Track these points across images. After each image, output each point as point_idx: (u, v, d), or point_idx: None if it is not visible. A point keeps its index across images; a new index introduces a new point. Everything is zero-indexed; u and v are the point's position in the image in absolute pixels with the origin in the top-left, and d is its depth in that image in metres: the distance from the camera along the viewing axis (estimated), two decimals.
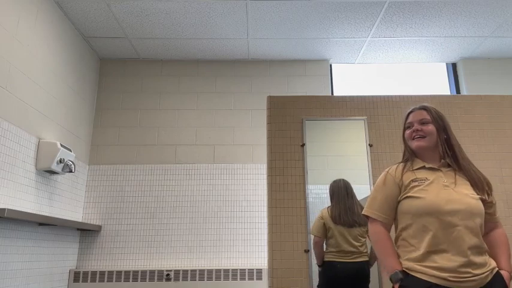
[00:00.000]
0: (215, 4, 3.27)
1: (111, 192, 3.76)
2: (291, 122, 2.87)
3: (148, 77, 4.12)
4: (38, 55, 2.98)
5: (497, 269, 1.48)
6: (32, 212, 2.82)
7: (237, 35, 3.73)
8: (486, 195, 1.54)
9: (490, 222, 1.58)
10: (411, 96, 3.01)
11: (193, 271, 3.50)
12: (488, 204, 1.55)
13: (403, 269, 1.48)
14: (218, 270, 3.50)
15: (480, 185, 1.54)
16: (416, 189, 1.53)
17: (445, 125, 1.62)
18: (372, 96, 3.02)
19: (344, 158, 2.94)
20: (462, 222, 1.45)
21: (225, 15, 3.42)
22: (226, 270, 3.50)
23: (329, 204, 2.65)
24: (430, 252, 1.44)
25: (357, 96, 3.02)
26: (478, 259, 1.43)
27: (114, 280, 3.46)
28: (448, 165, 1.59)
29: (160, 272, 3.49)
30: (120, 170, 3.82)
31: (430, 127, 1.60)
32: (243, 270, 3.50)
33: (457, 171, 1.57)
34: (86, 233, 3.62)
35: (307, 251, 2.58)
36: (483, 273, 1.41)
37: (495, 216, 1.59)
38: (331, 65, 4.29)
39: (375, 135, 2.88)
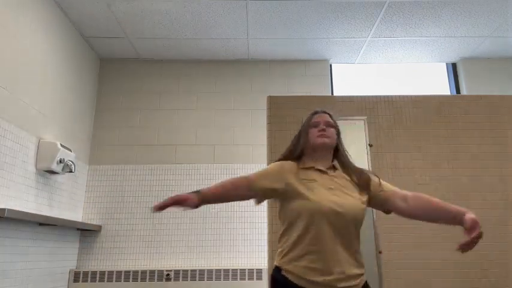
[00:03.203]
0: (215, 4, 3.27)
1: (111, 192, 3.76)
2: (291, 122, 2.86)
3: (148, 77, 4.12)
4: (38, 55, 2.98)
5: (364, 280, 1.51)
6: (32, 212, 2.82)
7: (237, 35, 3.73)
8: (371, 190, 1.61)
9: (397, 194, 1.61)
10: (411, 96, 3.01)
11: (193, 271, 3.49)
12: (381, 189, 1.62)
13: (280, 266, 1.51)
14: (218, 270, 3.50)
15: (364, 186, 1.60)
16: (303, 187, 1.54)
17: (339, 132, 1.74)
18: (372, 96, 3.01)
19: None
20: (344, 225, 1.49)
21: (225, 15, 3.42)
22: (226, 270, 3.50)
23: None
24: (310, 252, 1.47)
25: (357, 96, 3.02)
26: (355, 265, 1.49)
27: (114, 280, 3.46)
28: (335, 169, 1.65)
29: (160, 272, 3.49)
30: (120, 170, 3.82)
31: (332, 130, 1.70)
32: (243, 270, 3.50)
33: (343, 175, 1.64)
34: (86, 233, 3.62)
35: None
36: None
37: (394, 188, 1.64)
38: (331, 65, 4.29)
39: (374, 135, 2.87)
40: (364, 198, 1.58)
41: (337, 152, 1.71)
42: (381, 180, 1.65)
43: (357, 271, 1.49)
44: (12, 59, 2.65)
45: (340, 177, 1.62)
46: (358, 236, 1.54)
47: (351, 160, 1.70)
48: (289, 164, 1.64)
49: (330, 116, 1.75)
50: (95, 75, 4.02)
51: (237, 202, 3.75)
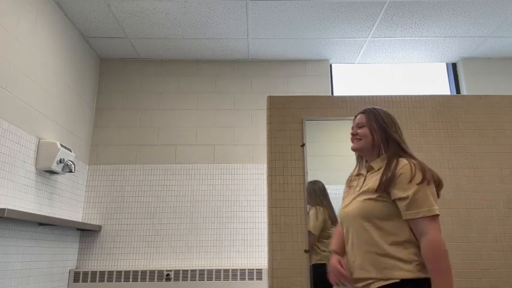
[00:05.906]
0: (215, 4, 3.27)
1: (111, 192, 3.76)
2: (291, 122, 2.86)
3: (148, 77, 4.12)
4: (38, 55, 2.98)
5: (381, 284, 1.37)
6: (32, 212, 2.82)
7: (237, 35, 3.73)
8: (389, 192, 1.43)
9: (411, 226, 1.41)
10: (411, 96, 3.01)
11: (193, 271, 3.50)
12: (398, 201, 1.42)
13: None
14: (218, 270, 3.50)
15: (386, 182, 1.44)
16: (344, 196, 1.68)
17: (381, 125, 1.62)
18: (372, 96, 3.01)
19: (344, 158, 2.93)
20: (349, 229, 1.52)
21: (225, 15, 3.42)
22: (226, 270, 3.50)
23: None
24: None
25: (357, 96, 3.02)
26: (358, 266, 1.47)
27: (114, 280, 3.46)
28: (373, 168, 1.57)
29: (160, 272, 3.49)
30: (120, 170, 3.82)
31: (363, 130, 1.63)
32: (243, 270, 3.50)
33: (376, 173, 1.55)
34: (86, 233, 3.62)
35: (307, 251, 2.58)
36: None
37: (406, 213, 1.39)
38: (331, 65, 4.29)
39: None
40: (374, 195, 1.44)
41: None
42: (402, 200, 1.40)
43: (358, 274, 1.42)
44: (12, 59, 2.65)
45: (368, 177, 1.54)
46: (374, 237, 1.40)
47: (403, 149, 1.53)
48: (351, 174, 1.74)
49: (366, 114, 1.64)
50: (95, 75, 4.02)
51: (236, 202, 3.76)
